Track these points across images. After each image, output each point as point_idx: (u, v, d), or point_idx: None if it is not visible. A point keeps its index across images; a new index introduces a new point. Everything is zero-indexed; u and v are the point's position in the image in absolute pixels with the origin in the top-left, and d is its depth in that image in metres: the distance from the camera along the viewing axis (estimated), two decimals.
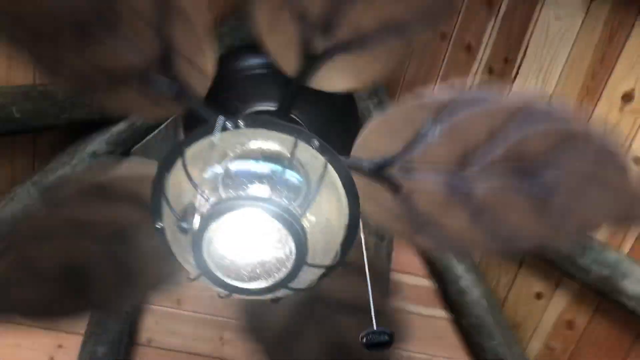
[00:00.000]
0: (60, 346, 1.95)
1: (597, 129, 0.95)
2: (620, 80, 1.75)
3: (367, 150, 0.97)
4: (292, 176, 0.77)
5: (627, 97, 1.76)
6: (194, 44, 0.89)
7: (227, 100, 1.02)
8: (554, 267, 1.99)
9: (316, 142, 0.83)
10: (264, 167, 0.77)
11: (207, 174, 0.77)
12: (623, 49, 1.73)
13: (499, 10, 1.96)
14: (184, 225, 0.72)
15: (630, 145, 1.77)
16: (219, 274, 0.76)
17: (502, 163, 0.94)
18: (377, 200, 1.00)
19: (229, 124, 0.76)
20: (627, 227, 1.81)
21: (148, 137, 2.05)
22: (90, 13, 0.85)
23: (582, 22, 1.79)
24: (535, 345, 2.23)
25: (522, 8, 1.90)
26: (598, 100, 1.80)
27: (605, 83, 1.78)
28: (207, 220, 0.73)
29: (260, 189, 0.75)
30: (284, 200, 0.74)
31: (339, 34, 0.88)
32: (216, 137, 0.75)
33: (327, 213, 0.78)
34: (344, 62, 0.93)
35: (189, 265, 0.81)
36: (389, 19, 0.89)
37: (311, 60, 0.91)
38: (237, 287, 0.78)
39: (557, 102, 1.00)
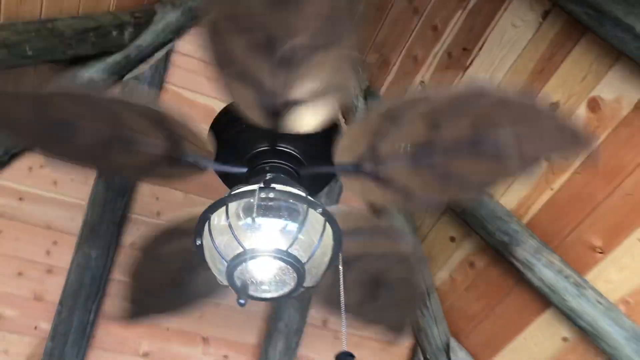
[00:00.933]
0: (55, 242, 2.32)
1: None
2: (552, 91, 2.05)
3: (346, 154, 1.28)
4: (303, 232, 1.13)
5: (554, 106, 2.08)
6: (193, 136, 1.21)
7: (233, 146, 1.32)
8: (468, 225, 2.43)
9: (320, 209, 1.17)
10: (284, 224, 1.13)
11: (241, 222, 1.11)
12: (559, 67, 2.02)
13: (467, 5, 2.18)
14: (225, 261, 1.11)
15: None
16: (238, 286, 1.13)
17: (454, 137, 1.25)
18: (367, 191, 1.35)
19: (263, 194, 1.10)
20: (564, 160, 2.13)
21: (139, 66, 2.27)
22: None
23: (532, 36, 2.04)
24: (441, 275, 2.75)
25: (487, 8, 2.13)
26: None
27: (539, 91, 2.09)
28: (239, 259, 1.10)
29: (279, 240, 1.12)
30: (294, 250, 1.10)
31: (289, 95, 1.17)
32: (255, 201, 1.08)
33: (319, 256, 1.14)
34: (300, 112, 1.22)
35: (218, 273, 1.17)
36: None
37: (275, 116, 1.20)
38: (255, 296, 1.16)
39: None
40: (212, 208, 1.15)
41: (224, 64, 1.13)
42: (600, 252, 2.07)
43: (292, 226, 1.11)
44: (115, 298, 2.34)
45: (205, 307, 2.47)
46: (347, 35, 1.08)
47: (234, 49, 1.09)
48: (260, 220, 1.11)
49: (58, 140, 1.22)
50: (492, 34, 2.13)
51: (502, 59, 2.13)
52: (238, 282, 1.10)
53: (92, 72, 2.15)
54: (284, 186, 1.14)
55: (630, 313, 2.05)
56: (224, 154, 1.30)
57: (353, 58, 1.19)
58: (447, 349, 2.63)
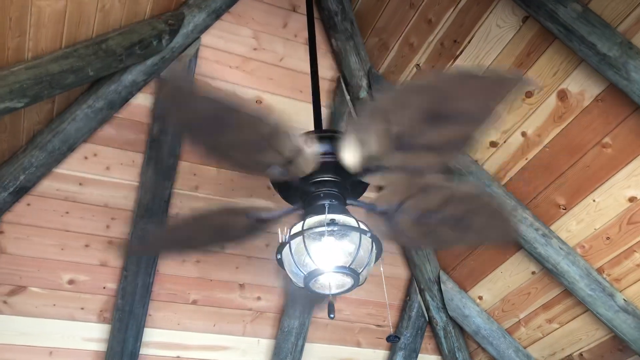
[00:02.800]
0: (112, 218, 2.71)
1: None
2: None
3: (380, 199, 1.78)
4: (360, 252, 1.59)
5: (529, 94, 2.48)
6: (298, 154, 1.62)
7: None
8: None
9: (369, 234, 1.62)
10: (347, 246, 1.59)
11: (313, 246, 1.57)
12: (535, 63, 2.41)
13: (458, 4, 2.52)
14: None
15: (523, 123, 2.58)
16: (313, 289, 1.62)
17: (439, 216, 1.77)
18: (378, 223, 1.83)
19: (330, 228, 1.54)
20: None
21: (171, 64, 2.59)
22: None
23: (513, 36, 2.42)
24: None
25: (475, 9, 2.47)
26: None
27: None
28: (314, 274, 1.57)
29: (340, 257, 1.58)
30: (353, 266, 1.57)
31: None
32: (326, 236, 1.54)
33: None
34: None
35: (294, 277, 1.64)
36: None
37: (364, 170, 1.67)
38: (320, 294, 1.64)
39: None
40: (292, 237, 1.59)
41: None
42: (563, 209, 2.59)
43: (350, 246, 1.57)
44: (167, 260, 2.82)
45: (240, 260, 2.98)
46: None
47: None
48: (326, 241, 1.57)
49: (205, 135, 1.59)
50: (479, 31, 2.50)
51: (487, 53, 2.51)
52: (317, 290, 1.58)
53: (134, 75, 2.47)
54: (343, 216, 1.59)
55: (585, 255, 2.61)
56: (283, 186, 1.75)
57: None
58: (437, 280, 3.21)
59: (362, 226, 1.61)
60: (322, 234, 1.57)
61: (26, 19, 2.00)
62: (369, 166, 1.63)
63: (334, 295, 1.61)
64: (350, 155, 1.61)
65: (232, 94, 1.47)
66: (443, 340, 3.25)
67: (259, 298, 3.02)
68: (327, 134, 1.78)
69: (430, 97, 1.44)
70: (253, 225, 1.81)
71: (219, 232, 1.85)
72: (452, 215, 1.77)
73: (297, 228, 1.62)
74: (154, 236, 2.16)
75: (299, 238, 1.59)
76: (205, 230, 1.85)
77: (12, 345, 2.65)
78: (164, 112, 1.51)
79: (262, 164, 1.63)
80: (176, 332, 2.89)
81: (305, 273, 1.58)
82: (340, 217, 1.59)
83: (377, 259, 1.66)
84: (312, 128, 2.12)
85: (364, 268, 1.58)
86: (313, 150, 1.63)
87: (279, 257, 1.64)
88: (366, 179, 1.68)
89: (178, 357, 2.90)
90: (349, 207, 1.83)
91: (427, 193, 1.72)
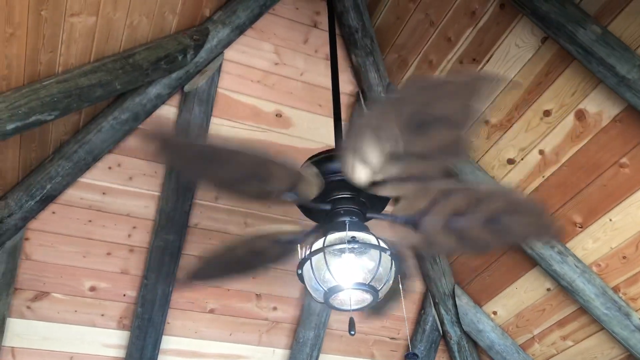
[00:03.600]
0: (134, 227, 2.78)
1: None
2: (547, 102, 2.49)
3: (399, 209, 1.81)
4: (380, 271, 1.63)
5: (547, 113, 2.51)
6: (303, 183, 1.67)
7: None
8: None
9: (389, 252, 1.66)
10: (367, 263, 1.63)
11: (334, 263, 1.61)
12: (553, 83, 2.44)
13: (478, 22, 2.55)
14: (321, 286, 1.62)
15: (541, 141, 2.60)
16: (332, 305, 1.66)
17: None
18: (406, 234, 1.86)
19: (350, 245, 1.58)
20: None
21: (194, 78, 2.65)
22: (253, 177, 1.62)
23: (532, 56, 2.44)
24: None
25: (495, 29, 2.51)
26: (528, 109, 2.56)
27: (536, 100, 2.52)
28: (334, 290, 1.61)
29: (360, 273, 1.62)
30: (372, 283, 1.61)
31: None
32: (347, 252, 1.58)
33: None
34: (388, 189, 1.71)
35: (314, 292, 1.68)
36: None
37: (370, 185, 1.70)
38: (340, 309, 1.67)
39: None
40: (312, 253, 1.64)
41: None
42: (580, 227, 2.60)
43: (369, 263, 1.61)
44: (186, 270, 2.87)
45: (257, 270, 3.02)
46: None
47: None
48: (346, 258, 1.61)
49: (208, 173, 1.70)
50: (498, 50, 2.53)
51: (505, 72, 2.54)
52: (337, 306, 1.62)
53: (159, 89, 2.54)
54: (363, 234, 1.63)
55: (600, 273, 2.63)
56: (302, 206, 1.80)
57: None
58: (452, 294, 3.23)
59: (382, 244, 1.65)
60: (342, 251, 1.61)
61: (59, 36, 2.07)
62: (375, 180, 1.67)
63: (352, 310, 1.64)
64: (352, 172, 1.66)
65: (212, 135, 1.56)
66: (457, 354, 3.27)
67: (275, 308, 3.06)
68: (323, 155, 1.84)
69: (410, 106, 1.48)
70: (284, 248, 1.88)
71: (255, 258, 1.91)
72: (482, 216, 1.77)
73: (318, 244, 1.66)
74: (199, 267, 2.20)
75: (320, 254, 1.63)
76: (241, 259, 1.93)
77: (34, 350, 2.72)
78: (161, 161, 1.65)
79: (271, 192, 1.70)
80: (193, 340, 2.94)
81: (326, 289, 1.61)
82: (360, 235, 1.63)
83: (397, 276, 1.70)
84: (332, 140, 2.18)
85: (383, 285, 1.62)
86: (312, 173, 1.69)
87: (299, 272, 1.68)
88: (380, 192, 1.71)
89: None
90: (371, 222, 1.87)
91: (449, 197, 1.74)
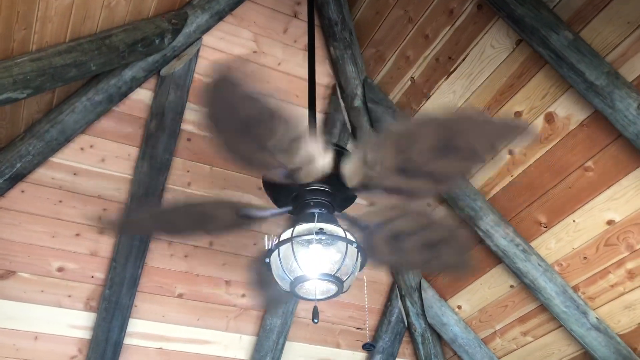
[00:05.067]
0: (105, 209, 2.75)
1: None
2: (518, 103, 2.53)
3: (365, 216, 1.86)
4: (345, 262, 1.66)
5: (518, 114, 2.56)
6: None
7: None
8: (446, 202, 2.96)
9: (355, 246, 1.69)
10: (334, 255, 1.66)
11: (301, 253, 1.64)
12: (525, 85, 2.48)
13: (455, 21, 2.59)
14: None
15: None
16: (298, 294, 1.69)
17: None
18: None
19: (318, 236, 1.61)
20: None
21: (171, 62, 2.64)
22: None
23: (506, 57, 2.49)
24: None
25: (471, 29, 2.54)
26: (499, 109, 2.61)
27: (507, 101, 2.57)
28: (300, 279, 1.64)
29: (326, 264, 1.65)
30: (338, 274, 1.64)
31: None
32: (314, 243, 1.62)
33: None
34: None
35: (281, 281, 1.71)
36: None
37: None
38: (305, 298, 1.70)
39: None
40: (281, 243, 1.66)
41: None
42: (544, 227, 2.67)
43: (336, 255, 1.64)
44: (155, 254, 2.87)
45: (228, 257, 3.04)
46: None
47: None
48: (313, 249, 1.63)
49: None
50: (473, 49, 2.57)
51: (480, 71, 2.58)
52: (302, 295, 1.65)
53: (134, 72, 2.52)
54: (332, 225, 1.66)
55: (562, 272, 2.70)
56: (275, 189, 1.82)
57: None
58: (419, 288, 3.28)
59: (349, 236, 1.68)
60: (310, 242, 1.64)
61: (33, 13, 2.04)
62: (368, 184, 1.71)
63: (317, 300, 1.67)
64: (352, 171, 1.69)
65: (271, 94, 1.54)
66: (420, 346, 3.34)
67: (243, 295, 3.09)
68: (337, 148, 1.85)
69: (443, 131, 1.55)
70: (239, 220, 1.89)
71: (206, 220, 1.92)
72: (423, 241, 1.89)
73: (287, 234, 1.68)
74: (143, 215, 2.23)
75: (288, 244, 1.65)
76: (194, 217, 1.95)
77: None
78: (208, 101, 1.60)
79: (270, 163, 1.70)
80: (161, 324, 2.95)
81: (292, 278, 1.64)
82: (328, 227, 1.66)
83: (361, 268, 1.73)
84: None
85: (349, 277, 1.65)
86: (325, 161, 1.71)
87: (267, 261, 1.71)
88: (360, 194, 1.76)
89: (161, 348, 2.96)
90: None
91: (407, 217, 1.81)
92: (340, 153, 1.78)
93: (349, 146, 2.95)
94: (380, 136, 1.75)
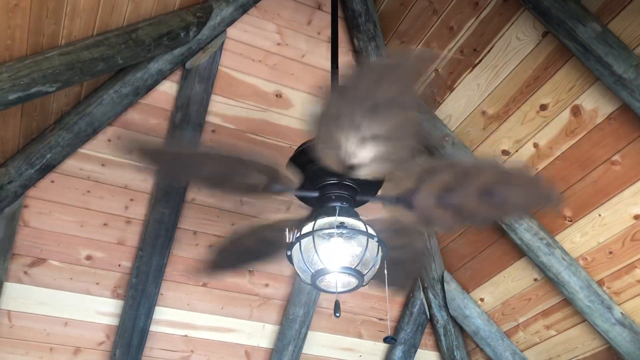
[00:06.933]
0: (132, 199, 2.81)
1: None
2: (544, 96, 2.50)
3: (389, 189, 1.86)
4: (366, 256, 1.68)
5: (543, 107, 2.54)
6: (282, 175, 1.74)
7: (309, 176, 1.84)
8: None
9: (376, 239, 1.70)
10: (355, 248, 1.68)
11: (322, 246, 1.66)
12: (551, 78, 2.45)
13: (481, 13, 2.56)
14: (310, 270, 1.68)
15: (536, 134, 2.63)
16: (319, 287, 1.71)
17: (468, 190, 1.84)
18: (401, 214, 1.91)
19: (338, 230, 1.63)
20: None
21: (196, 55, 2.66)
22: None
23: (532, 49, 2.46)
24: None
25: (496, 20, 2.52)
26: (525, 102, 2.58)
27: (533, 93, 2.54)
28: (321, 272, 1.66)
29: (347, 258, 1.66)
30: (358, 268, 1.66)
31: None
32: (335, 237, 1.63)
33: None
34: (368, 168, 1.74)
35: (302, 273, 1.73)
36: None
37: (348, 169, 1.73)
38: (326, 290, 1.73)
39: None
40: (302, 236, 1.68)
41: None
42: (569, 221, 2.65)
43: (357, 248, 1.66)
44: (181, 243, 2.92)
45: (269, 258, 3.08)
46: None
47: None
48: (334, 242, 1.65)
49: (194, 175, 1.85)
50: (499, 42, 2.54)
51: (505, 63, 2.56)
52: (324, 288, 1.68)
53: (160, 65, 2.56)
54: (352, 219, 1.68)
55: (586, 267, 2.68)
56: (303, 180, 1.83)
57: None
58: (441, 280, 3.29)
59: (370, 230, 1.70)
60: (331, 235, 1.65)
61: (63, 8, 2.08)
62: (352, 164, 1.71)
63: (338, 293, 1.69)
64: (328, 160, 1.71)
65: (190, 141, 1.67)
66: (442, 337, 3.34)
67: (267, 285, 3.13)
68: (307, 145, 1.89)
69: (360, 93, 1.52)
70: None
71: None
72: (474, 190, 1.81)
73: (308, 228, 1.70)
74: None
75: (309, 237, 1.67)
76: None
77: (30, 314, 2.79)
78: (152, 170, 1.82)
79: (255, 186, 1.79)
80: (186, 312, 3.01)
81: (313, 271, 1.66)
82: (349, 220, 1.67)
83: (382, 261, 1.75)
84: None
85: (369, 270, 1.67)
86: (286, 165, 1.78)
87: (289, 254, 1.73)
88: (363, 175, 1.74)
89: (186, 335, 3.02)
90: (365, 206, 1.92)
91: (435, 174, 1.78)
92: (309, 150, 1.83)
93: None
94: (319, 119, 1.67)
